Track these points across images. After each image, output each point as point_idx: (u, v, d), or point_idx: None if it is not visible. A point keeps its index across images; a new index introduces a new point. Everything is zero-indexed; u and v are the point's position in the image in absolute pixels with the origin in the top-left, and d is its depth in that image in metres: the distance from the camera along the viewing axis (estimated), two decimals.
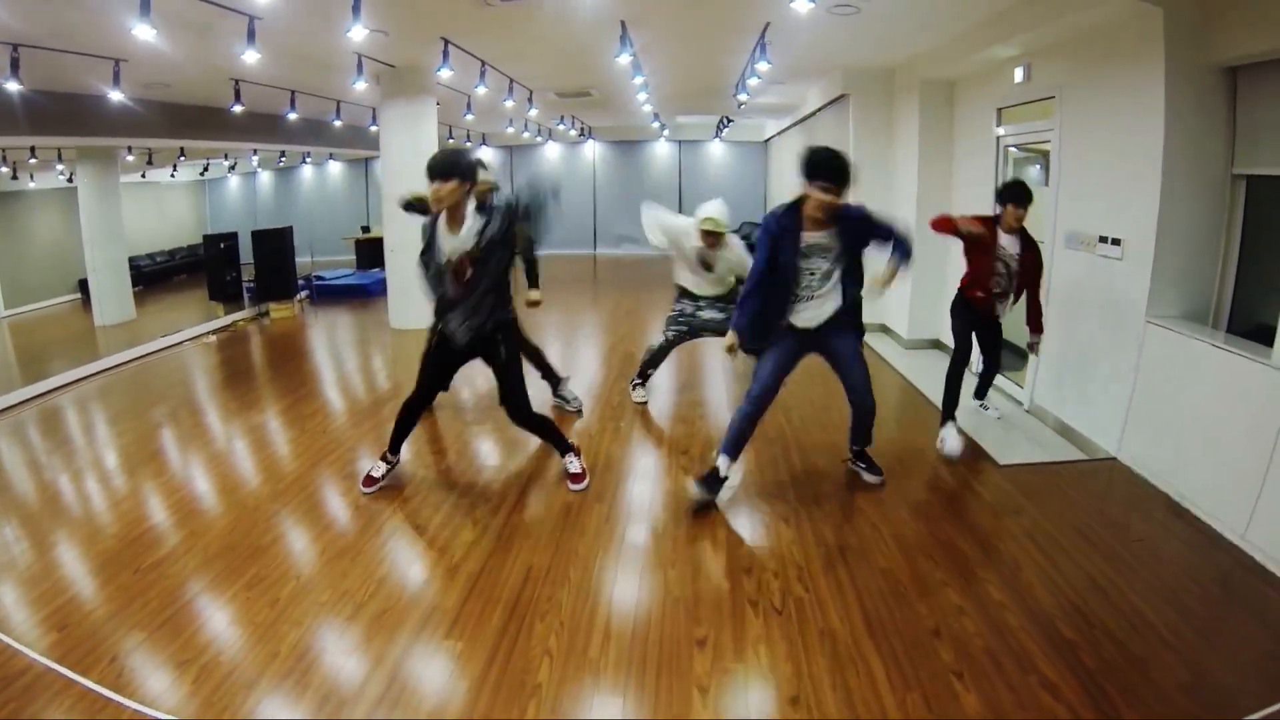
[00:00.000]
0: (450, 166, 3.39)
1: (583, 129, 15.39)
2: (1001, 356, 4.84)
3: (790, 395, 5.23)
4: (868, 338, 7.05)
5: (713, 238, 4.77)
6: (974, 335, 4.62)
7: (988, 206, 6.05)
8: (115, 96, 6.10)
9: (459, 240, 3.46)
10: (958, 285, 4.63)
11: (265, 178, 17.41)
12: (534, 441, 4.57)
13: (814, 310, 3.62)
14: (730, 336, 3.78)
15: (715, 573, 3.14)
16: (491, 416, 5.17)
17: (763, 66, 6.53)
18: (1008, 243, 4.38)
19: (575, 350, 6.94)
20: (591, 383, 5.99)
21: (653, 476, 4.15)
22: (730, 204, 4.92)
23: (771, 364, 3.71)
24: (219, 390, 6.36)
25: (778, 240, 3.49)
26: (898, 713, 2.29)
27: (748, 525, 3.58)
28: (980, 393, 5.19)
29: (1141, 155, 4.11)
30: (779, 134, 13.93)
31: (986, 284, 4.42)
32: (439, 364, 3.85)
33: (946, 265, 6.95)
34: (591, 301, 10.42)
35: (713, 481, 3.70)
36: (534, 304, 4.83)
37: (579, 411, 5.18)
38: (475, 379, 6.26)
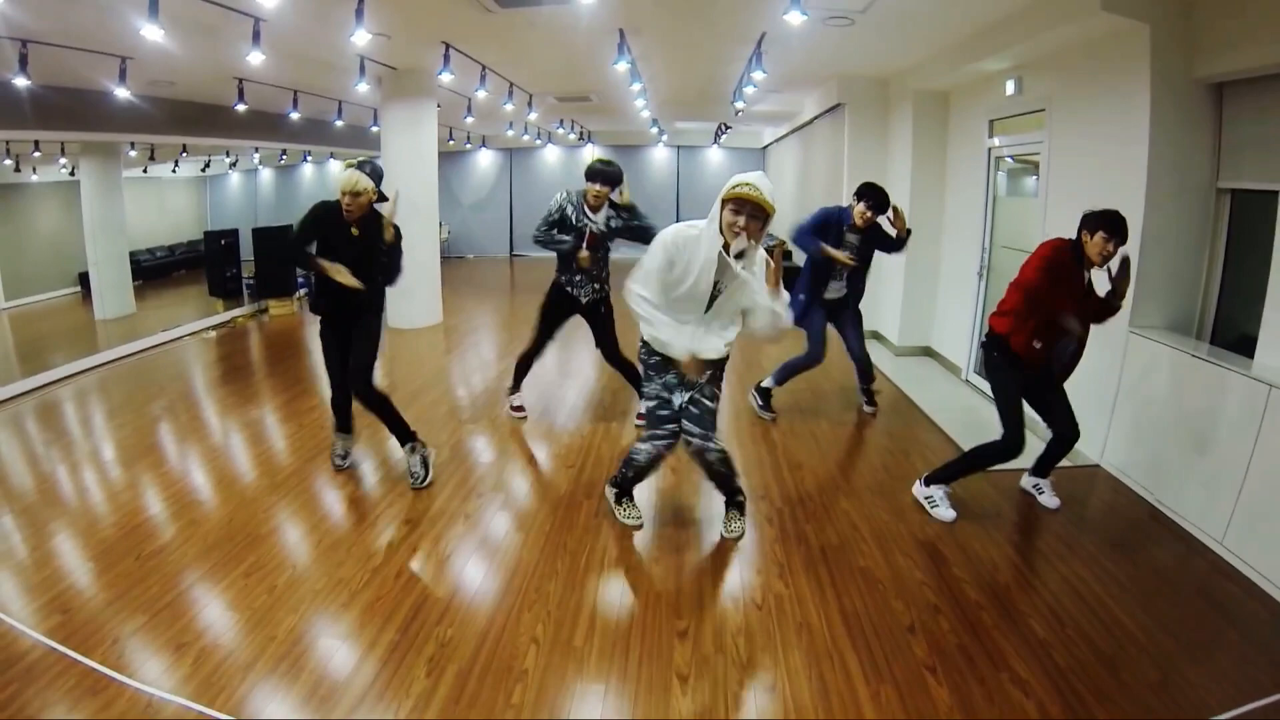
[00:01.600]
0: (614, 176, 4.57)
1: (582, 133, 15.50)
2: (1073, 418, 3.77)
3: (781, 405, 5.32)
4: None
5: (751, 219, 2.91)
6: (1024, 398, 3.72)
7: (978, 214, 6.20)
8: (121, 94, 6.17)
9: (595, 220, 4.61)
10: (995, 332, 3.66)
11: (266, 175, 17.47)
12: (524, 440, 4.73)
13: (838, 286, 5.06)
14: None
15: (698, 568, 3.23)
16: (486, 415, 5.26)
17: (759, 75, 6.61)
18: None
19: (571, 353, 7.00)
20: (585, 386, 6.08)
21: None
22: None
23: (817, 330, 5.07)
24: (218, 385, 6.44)
25: (827, 228, 4.95)
26: (871, 705, 2.37)
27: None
28: (1042, 468, 3.97)
29: (1127, 167, 4.19)
30: (776, 141, 14.05)
31: (1053, 332, 3.53)
32: (554, 319, 4.88)
33: (938, 273, 7.06)
34: None
35: (767, 397, 5.26)
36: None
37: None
38: (471, 378, 6.36)
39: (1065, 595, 3.02)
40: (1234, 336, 3.98)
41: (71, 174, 11.88)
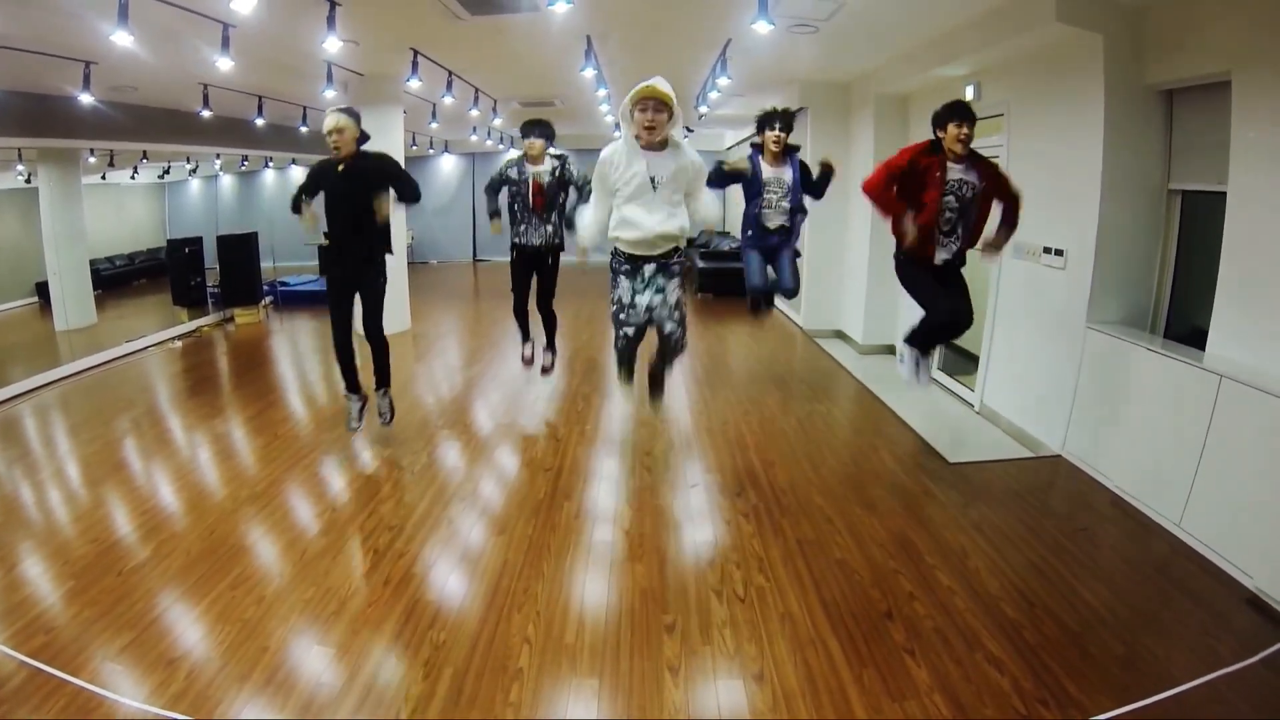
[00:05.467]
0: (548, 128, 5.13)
1: None
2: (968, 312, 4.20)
3: (750, 404, 5.43)
4: (824, 342, 7.34)
5: (655, 113, 3.42)
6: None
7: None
8: (85, 99, 6.08)
9: (543, 166, 5.11)
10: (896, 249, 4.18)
11: (227, 181, 17.14)
12: (499, 446, 4.79)
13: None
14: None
15: (681, 564, 3.31)
16: (461, 421, 5.29)
17: (724, 81, 6.73)
18: (958, 172, 3.93)
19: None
20: (556, 386, 6.12)
21: (617, 477, 4.30)
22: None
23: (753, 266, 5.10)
24: (187, 397, 6.34)
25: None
26: (855, 687, 2.47)
27: (710, 521, 3.75)
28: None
29: (1083, 170, 4.35)
30: (738, 144, 14.18)
31: (932, 233, 3.98)
32: (522, 273, 5.37)
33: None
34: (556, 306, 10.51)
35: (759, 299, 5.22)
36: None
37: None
38: (440, 386, 6.37)
39: (1032, 577, 3.16)
40: (1186, 329, 4.16)
41: (28, 181, 11.60)
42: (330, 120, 4.12)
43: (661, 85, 3.40)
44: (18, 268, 12.24)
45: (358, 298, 4.50)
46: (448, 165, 16.70)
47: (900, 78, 6.54)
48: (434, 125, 10.17)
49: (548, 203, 5.17)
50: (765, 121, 5.06)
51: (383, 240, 4.50)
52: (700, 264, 11.43)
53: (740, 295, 5.43)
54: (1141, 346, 3.97)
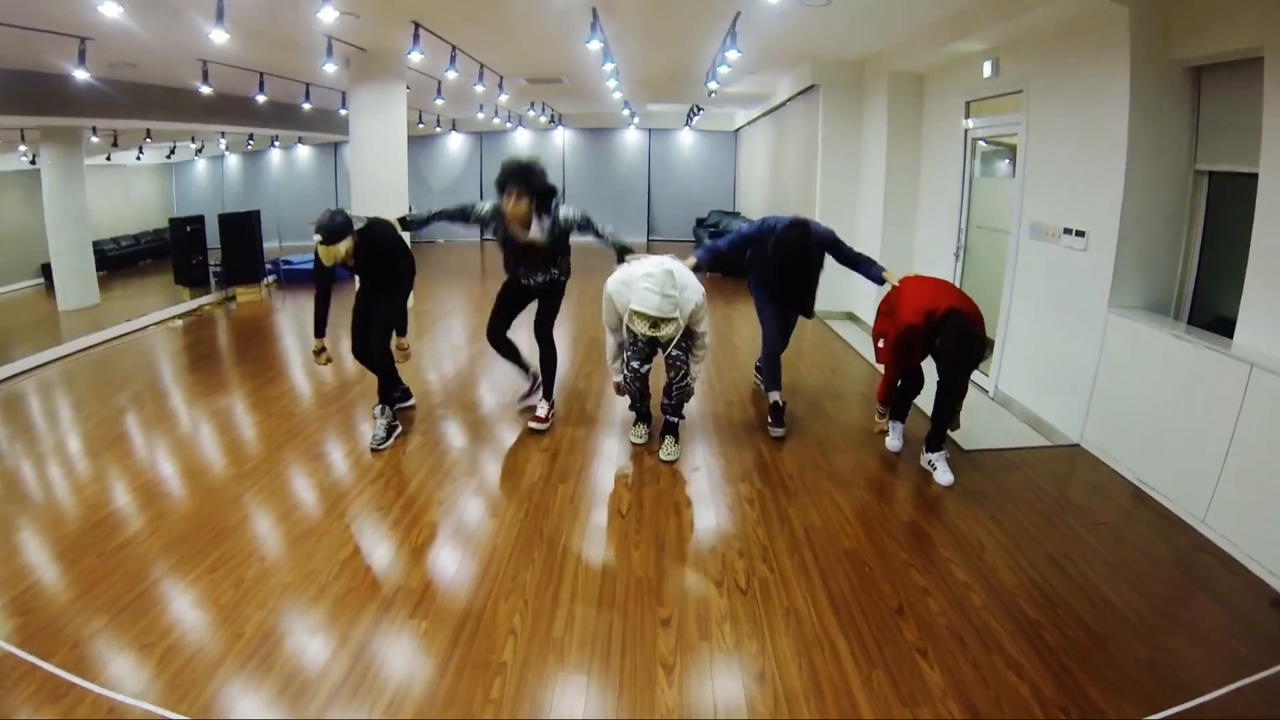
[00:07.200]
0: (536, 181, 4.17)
1: (553, 116, 15.31)
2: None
3: (756, 387, 5.28)
4: (835, 324, 7.19)
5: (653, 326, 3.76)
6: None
7: (954, 195, 6.18)
8: (81, 75, 5.96)
9: (534, 234, 4.23)
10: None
11: (233, 161, 17.09)
12: (496, 428, 4.65)
13: None
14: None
15: (680, 553, 3.17)
16: (457, 400, 5.16)
17: (733, 55, 6.53)
18: None
19: None
20: (565, 363, 5.97)
21: (615, 460, 4.16)
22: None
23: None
24: (184, 374, 6.25)
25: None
26: (863, 689, 2.33)
27: (712, 507, 3.61)
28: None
29: (1106, 149, 4.17)
30: (749, 123, 13.97)
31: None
32: (513, 299, 4.65)
33: (912, 254, 7.05)
34: None
35: (779, 413, 4.57)
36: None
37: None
38: (443, 363, 6.24)
39: (1052, 573, 3.01)
40: (1211, 318, 3.98)
41: (32, 163, 11.52)
42: (329, 256, 3.91)
43: (664, 311, 3.69)
44: (23, 250, 12.26)
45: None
46: (455, 144, 16.53)
47: (915, 55, 6.34)
48: (439, 102, 10.00)
49: (549, 255, 4.41)
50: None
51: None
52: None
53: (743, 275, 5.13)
54: (1167, 333, 3.80)
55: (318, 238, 3.89)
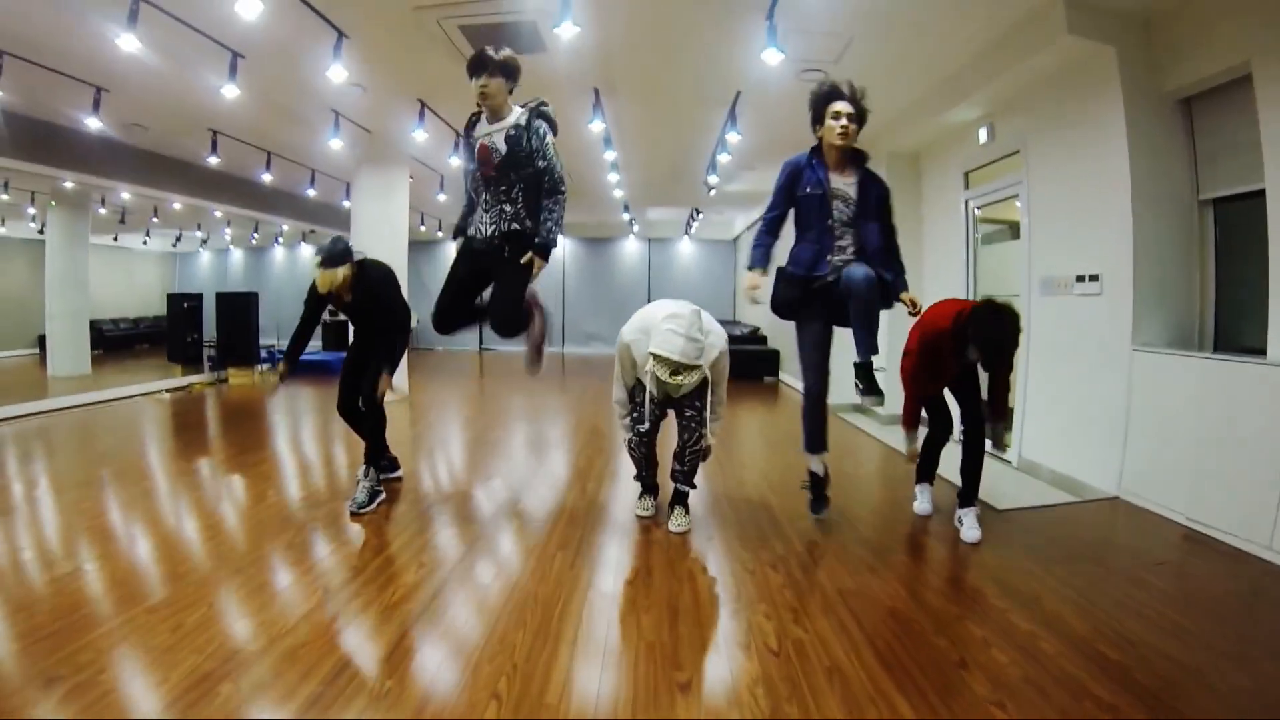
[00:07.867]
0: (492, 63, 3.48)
1: None
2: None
3: (768, 465, 4.92)
4: (846, 415, 6.86)
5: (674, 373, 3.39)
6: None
7: (958, 265, 6.03)
8: (94, 124, 6.07)
9: (491, 130, 3.55)
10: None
11: (237, 255, 17.23)
12: (495, 497, 4.27)
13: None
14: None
15: (696, 617, 2.73)
16: (451, 487, 4.77)
17: (733, 137, 6.55)
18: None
19: (549, 426, 6.64)
20: (564, 450, 5.70)
21: (621, 530, 3.74)
22: (699, 301, 3.79)
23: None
24: (165, 439, 6.04)
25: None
26: None
27: (730, 572, 3.18)
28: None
29: (1111, 188, 4.12)
30: (748, 229, 14.08)
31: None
32: (463, 268, 3.83)
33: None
34: (560, 389, 10.09)
35: (820, 486, 3.82)
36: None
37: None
38: (434, 453, 5.87)
39: (1125, 616, 2.64)
40: (1235, 348, 3.82)
41: (40, 231, 11.53)
42: (326, 280, 3.79)
43: (688, 356, 3.36)
44: (22, 318, 12.33)
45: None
46: (454, 253, 16.65)
47: (911, 129, 6.37)
48: (441, 197, 10.02)
49: (502, 175, 3.52)
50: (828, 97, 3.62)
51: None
52: None
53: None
54: (1199, 357, 3.65)
55: (316, 260, 3.80)
